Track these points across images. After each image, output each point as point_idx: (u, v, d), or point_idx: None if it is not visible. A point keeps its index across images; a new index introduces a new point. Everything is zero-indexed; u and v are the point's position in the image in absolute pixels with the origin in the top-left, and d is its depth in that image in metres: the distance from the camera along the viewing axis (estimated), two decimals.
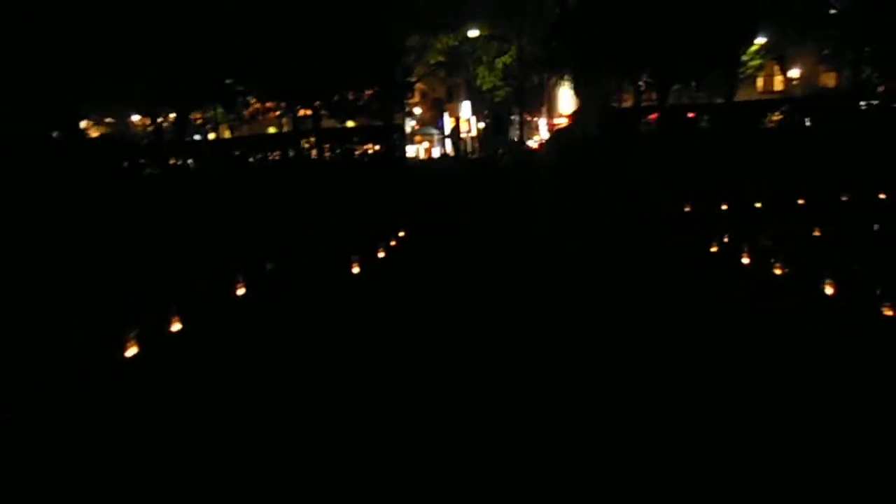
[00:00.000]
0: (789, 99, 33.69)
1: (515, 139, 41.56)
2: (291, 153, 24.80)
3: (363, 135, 26.51)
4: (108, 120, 47.37)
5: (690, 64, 29.29)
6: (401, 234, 11.23)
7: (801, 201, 12.69)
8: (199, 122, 43.76)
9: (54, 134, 23.76)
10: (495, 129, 38.61)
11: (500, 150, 32.82)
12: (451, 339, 5.63)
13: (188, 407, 4.41)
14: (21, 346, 5.36)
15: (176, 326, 5.75)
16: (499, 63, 35.07)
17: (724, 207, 12.68)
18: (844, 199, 12.79)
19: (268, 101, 33.95)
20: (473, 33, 33.23)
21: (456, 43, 33.90)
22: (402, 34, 28.81)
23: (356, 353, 5.29)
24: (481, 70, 35.92)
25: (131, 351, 5.07)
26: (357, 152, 25.47)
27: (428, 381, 4.82)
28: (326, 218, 13.89)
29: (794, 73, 38.71)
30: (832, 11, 31.64)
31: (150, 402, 4.50)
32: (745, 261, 8.34)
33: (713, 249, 9.01)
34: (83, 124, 41.95)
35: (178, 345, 5.55)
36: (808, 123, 27.88)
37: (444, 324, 6.10)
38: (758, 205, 12.66)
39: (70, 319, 6.18)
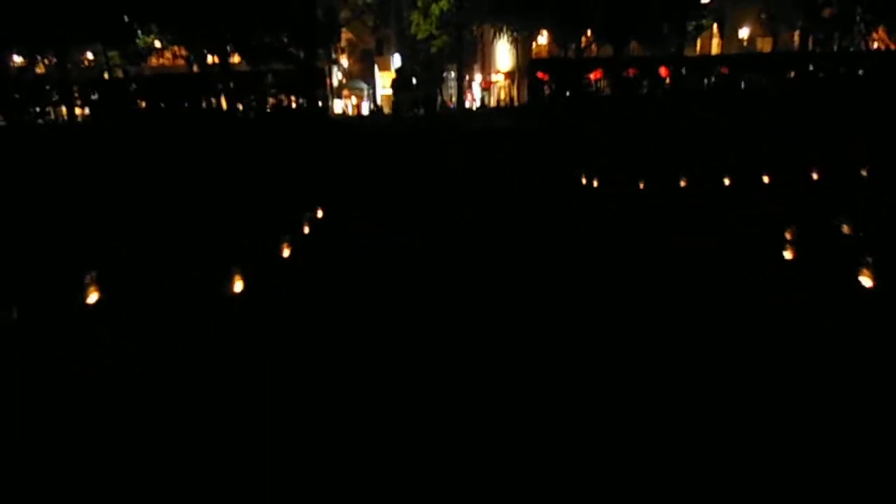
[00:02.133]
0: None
1: (439, 95, 38.19)
2: (186, 104, 20.93)
3: (281, 82, 22.71)
4: None
5: (639, 18, 27.40)
6: (318, 214, 8.47)
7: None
8: (90, 64, 38.24)
9: None
10: (402, 82, 34.63)
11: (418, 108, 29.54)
12: None
13: None
14: None
15: None
16: (435, 9, 31.58)
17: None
18: None
19: (168, 42, 29.44)
20: None
21: None
22: None
23: None
24: (415, 16, 32.37)
25: None
26: (272, 103, 21.85)
27: None
28: (217, 195, 10.93)
29: (740, 34, 37.53)
30: None
31: None
32: None
33: None
34: None
35: None
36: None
37: None
38: None
39: None
